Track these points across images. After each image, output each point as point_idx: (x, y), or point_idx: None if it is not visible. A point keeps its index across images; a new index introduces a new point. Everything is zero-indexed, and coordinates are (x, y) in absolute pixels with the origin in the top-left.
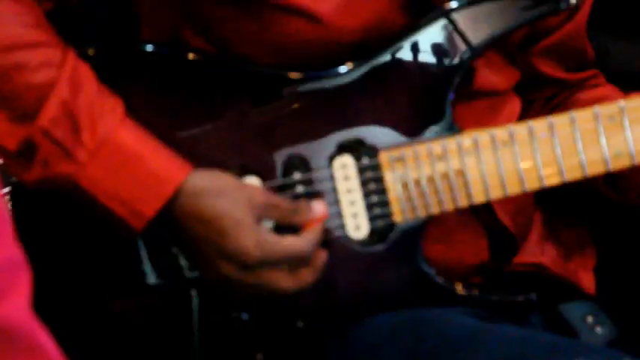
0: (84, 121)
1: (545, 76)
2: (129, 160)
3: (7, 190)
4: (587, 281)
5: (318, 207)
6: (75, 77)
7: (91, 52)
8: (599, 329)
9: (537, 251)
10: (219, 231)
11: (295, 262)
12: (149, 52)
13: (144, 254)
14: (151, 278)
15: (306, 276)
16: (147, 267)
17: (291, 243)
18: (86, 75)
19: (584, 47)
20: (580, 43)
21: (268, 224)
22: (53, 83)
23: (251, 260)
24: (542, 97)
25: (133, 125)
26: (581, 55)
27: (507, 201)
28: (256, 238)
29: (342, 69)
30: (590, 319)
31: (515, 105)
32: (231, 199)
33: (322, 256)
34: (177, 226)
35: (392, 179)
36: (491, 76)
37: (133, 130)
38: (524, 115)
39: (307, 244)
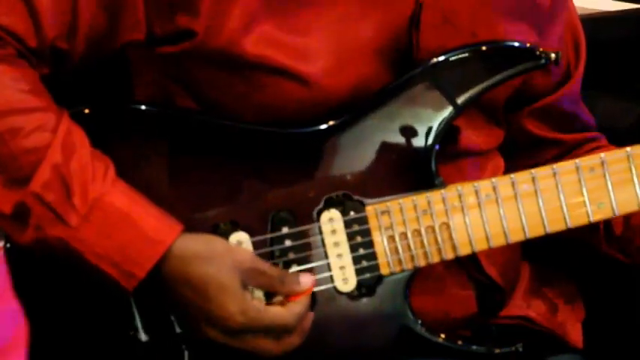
0: (75, 185)
1: (537, 137)
2: (119, 222)
3: (1, 244)
4: (575, 335)
5: (306, 279)
6: (68, 142)
7: (86, 110)
8: None
9: (524, 304)
10: (205, 296)
11: (280, 330)
12: (142, 111)
13: (135, 311)
14: (143, 335)
15: (291, 341)
16: (138, 323)
17: (276, 314)
18: (79, 139)
19: (579, 111)
20: (574, 107)
21: (259, 292)
22: (46, 147)
23: (235, 326)
24: (543, 160)
25: (123, 187)
26: (576, 118)
27: (494, 253)
28: (241, 304)
29: (324, 126)
30: None
31: (499, 162)
32: (219, 264)
33: (308, 321)
34: (165, 287)
35: (378, 232)
36: (474, 136)
37: (123, 192)
38: None
39: (293, 316)
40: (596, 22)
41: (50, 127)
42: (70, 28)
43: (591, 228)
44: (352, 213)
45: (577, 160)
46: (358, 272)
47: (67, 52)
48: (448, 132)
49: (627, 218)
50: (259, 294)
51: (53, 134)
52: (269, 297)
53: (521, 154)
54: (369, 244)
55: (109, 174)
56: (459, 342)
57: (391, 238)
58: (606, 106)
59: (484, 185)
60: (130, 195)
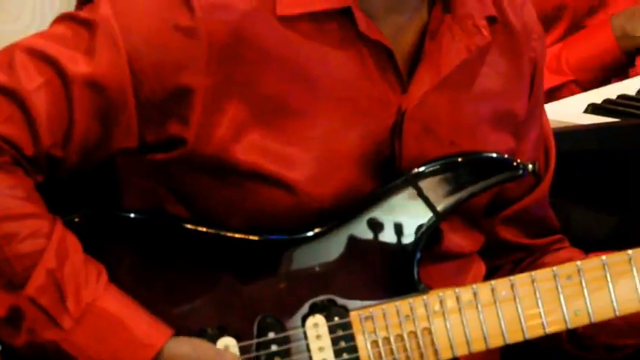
0: (69, 290)
1: (508, 243)
2: (111, 326)
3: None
4: None
5: None
6: (61, 247)
7: (76, 219)
8: None
9: None
10: None
11: None
12: (131, 219)
13: None
14: None
15: None
16: None
17: None
18: (72, 245)
19: (547, 216)
20: (542, 212)
21: None
22: (41, 252)
23: None
24: (509, 262)
25: (115, 292)
26: (544, 222)
27: (475, 356)
28: None
29: (310, 233)
30: None
31: (480, 266)
32: None
33: None
34: None
35: (362, 337)
36: (456, 239)
37: (115, 297)
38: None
39: None
40: (571, 134)
41: (44, 232)
42: (65, 137)
43: None
44: (336, 318)
45: (554, 268)
46: None
47: (62, 160)
48: (431, 235)
49: None
50: None
51: (48, 240)
52: None
53: (489, 255)
54: (353, 349)
55: (102, 279)
56: None
57: (374, 343)
58: (580, 216)
59: (465, 291)
60: (121, 300)
